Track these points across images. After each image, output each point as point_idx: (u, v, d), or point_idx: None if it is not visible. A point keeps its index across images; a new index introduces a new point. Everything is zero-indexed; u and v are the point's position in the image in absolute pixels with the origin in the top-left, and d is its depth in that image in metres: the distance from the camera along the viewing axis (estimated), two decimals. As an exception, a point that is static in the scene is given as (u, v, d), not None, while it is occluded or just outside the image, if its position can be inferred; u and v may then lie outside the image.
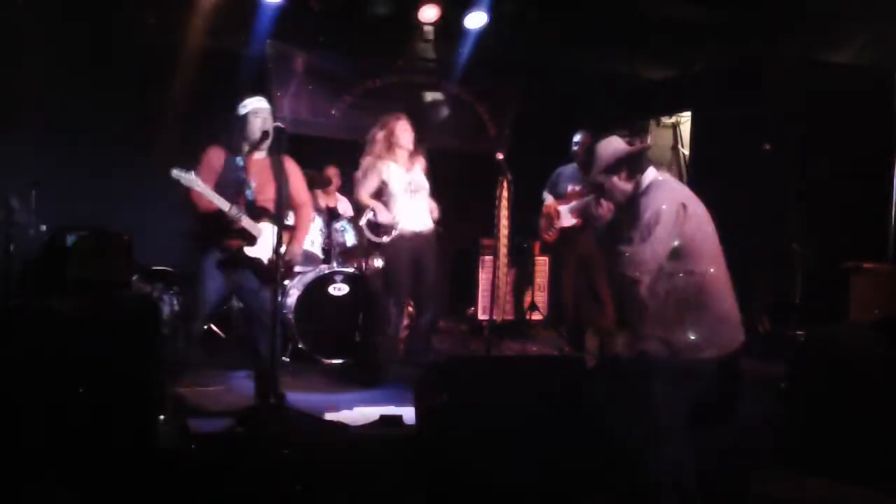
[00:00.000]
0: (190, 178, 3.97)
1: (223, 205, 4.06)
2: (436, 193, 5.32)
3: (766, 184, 6.38)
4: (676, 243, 2.92)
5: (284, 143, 4.20)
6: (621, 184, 3.07)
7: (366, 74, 7.49)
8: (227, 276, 4.23)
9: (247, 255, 4.20)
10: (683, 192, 3.05)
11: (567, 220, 5.51)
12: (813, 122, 6.50)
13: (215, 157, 4.19)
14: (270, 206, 4.21)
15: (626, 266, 2.91)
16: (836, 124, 6.44)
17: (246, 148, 4.21)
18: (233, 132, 4.23)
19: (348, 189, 6.56)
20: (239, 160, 4.18)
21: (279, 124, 4.15)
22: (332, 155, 6.81)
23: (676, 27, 7.23)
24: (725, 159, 6.69)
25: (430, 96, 7.85)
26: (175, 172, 3.95)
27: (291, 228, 4.45)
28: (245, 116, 4.19)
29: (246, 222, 4.14)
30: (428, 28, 7.27)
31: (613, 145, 3.12)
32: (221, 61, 6.60)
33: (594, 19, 7.07)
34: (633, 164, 3.06)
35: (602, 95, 7.71)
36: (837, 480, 3.64)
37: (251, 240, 4.20)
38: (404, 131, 5.13)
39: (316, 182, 5.96)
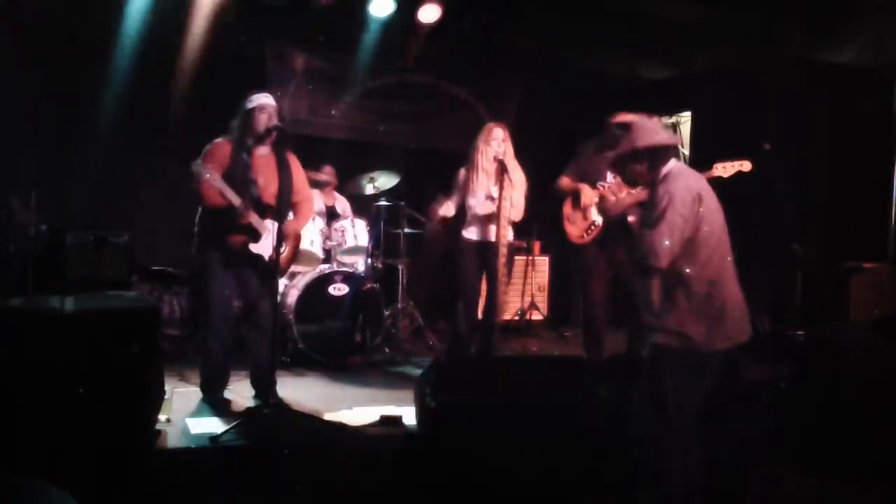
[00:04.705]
0: (209, 173, 3.98)
1: (234, 199, 4.06)
2: (437, 193, 5.32)
3: (765, 184, 6.37)
4: (690, 233, 2.93)
5: (289, 139, 4.24)
6: (640, 167, 3.09)
7: (366, 74, 7.49)
8: (232, 272, 4.24)
9: (251, 252, 4.20)
10: (700, 183, 3.06)
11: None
12: (813, 123, 6.49)
13: (222, 150, 4.20)
14: (274, 202, 4.21)
15: (644, 253, 2.92)
16: (836, 124, 6.44)
17: (250, 143, 4.22)
18: (238, 127, 4.24)
19: (346, 188, 6.58)
20: (245, 155, 4.20)
21: (279, 124, 4.16)
22: (331, 155, 6.81)
23: (676, 27, 7.23)
24: (725, 159, 6.68)
25: (430, 96, 7.85)
26: (195, 166, 3.96)
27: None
28: (251, 111, 4.21)
29: (253, 218, 4.15)
30: (428, 28, 7.25)
31: (660, 131, 3.10)
32: (221, 61, 6.60)
33: (594, 19, 7.06)
34: (661, 154, 3.07)
35: (602, 95, 7.71)
36: (837, 480, 3.64)
37: (256, 236, 4.20)
38: (490, 140, 5.06)
39: (313, 182, 5.97)
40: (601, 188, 4.90)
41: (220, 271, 4.23)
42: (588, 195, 4.97)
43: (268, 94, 4.30)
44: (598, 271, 5.09)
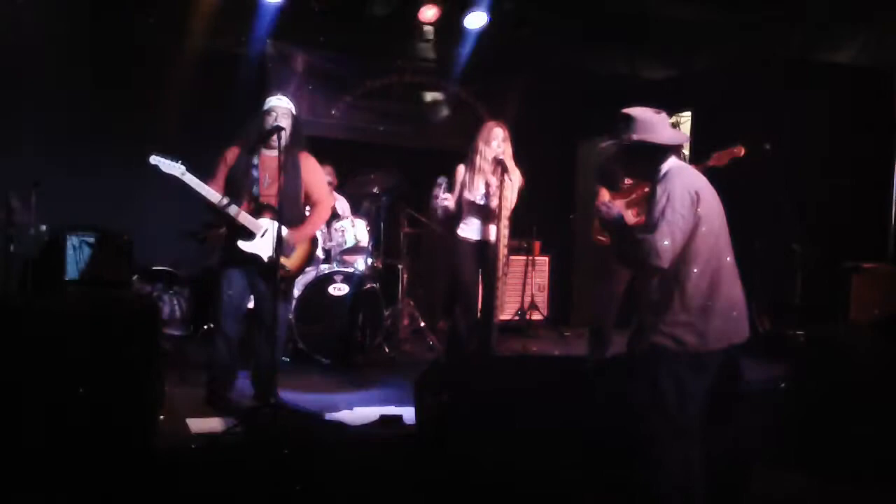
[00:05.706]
0: (171, 165, 4.05)
1: (213, 196, 4.14)
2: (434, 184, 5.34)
3: (765, 184, 6.38)
4: (689, 232, 2.91)
5: (299, 141, 4.35)
6: (640, 163, 3.07)
7: (366, 74, 7.49)
8: (241, 273, 4.27)
9: (245, 252, 4.21)
10: (699, 181, 3.03)
11: (628, 218, 5.01)
12: (812, 123, 6.49)
13: (231, 155, 4.33)
14: (275, 202, 4.23)
15: (645, 254, 2.90)
16: (836, 124, 6.44)
17: (254, 143, 4.30)
18: (249, 129, 4.35)
19: (346, 188, 6.58)
20: (254, 157, 4.28)
21: (278, 124, 4.17)
22: (331, 155, 6.81)
23: (676, 27, 7.23)
24: (721, 149, 6.67)
25: (430, 96, 7.85)
26: (153, 159, 4.01)
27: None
28: (261, 114, 4.31)
29: (242, 216, 4.17)
30: (428, 28, 7.27)
31: (661, 129, 3.04)
32: (221, 61, 6.60)
33: (594, 19, 7.07)
34: (659, 150, 3.03)
35: (602, 95, 7.71)
36: (837, 480, 3.64)
37: (247, 235, 4.23)
38: (490, 139, 5.06)
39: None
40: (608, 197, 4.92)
41: (228, 271, 4.30)
42: (605, 197, 5.05)
43: (280, 97, 4.39)
44: (618, 273, 5.09)
